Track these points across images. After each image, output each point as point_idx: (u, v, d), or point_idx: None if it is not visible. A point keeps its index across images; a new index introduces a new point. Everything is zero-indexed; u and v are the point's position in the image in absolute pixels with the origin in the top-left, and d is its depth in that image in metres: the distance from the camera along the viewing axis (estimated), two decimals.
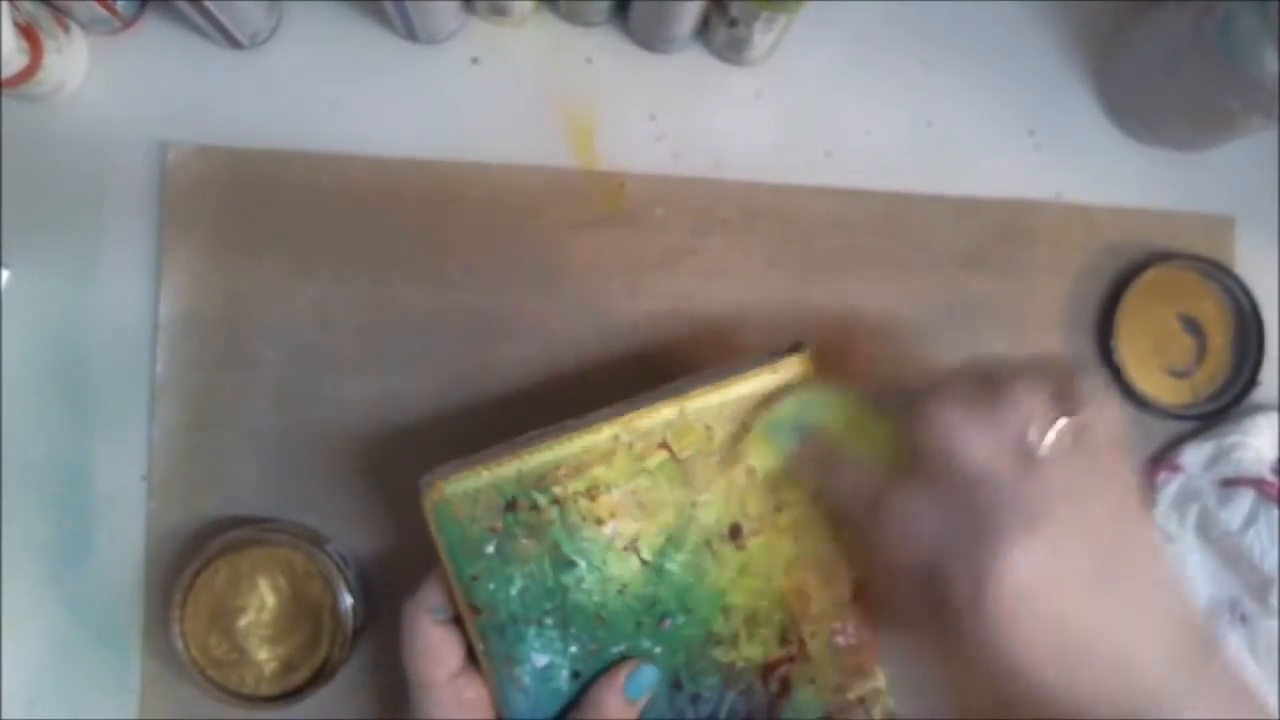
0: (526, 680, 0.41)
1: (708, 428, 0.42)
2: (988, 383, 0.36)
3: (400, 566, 0.48)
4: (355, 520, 0.47)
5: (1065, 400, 0.36)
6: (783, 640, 0.43)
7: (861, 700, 0.44)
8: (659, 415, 0.41)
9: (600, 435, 0.41)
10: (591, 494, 0.41)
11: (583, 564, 0.41)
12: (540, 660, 0.41)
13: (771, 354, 0.42)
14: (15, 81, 0.44)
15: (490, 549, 0.40)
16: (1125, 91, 0.52)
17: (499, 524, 0.40)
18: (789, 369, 0.42)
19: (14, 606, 0.47)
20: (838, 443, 0.40)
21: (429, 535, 0.40)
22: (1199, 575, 0.50)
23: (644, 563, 0.42)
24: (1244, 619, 0.49)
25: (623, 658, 0.41)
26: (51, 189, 0.48)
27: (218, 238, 0.48)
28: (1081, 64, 0.53)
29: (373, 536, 0.47)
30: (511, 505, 0.40)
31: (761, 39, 0.48)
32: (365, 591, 0.46)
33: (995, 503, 0.35)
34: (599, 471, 0.41)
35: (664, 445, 0.41)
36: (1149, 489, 0.50)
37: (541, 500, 0.40)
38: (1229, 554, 0.49)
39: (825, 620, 0.43)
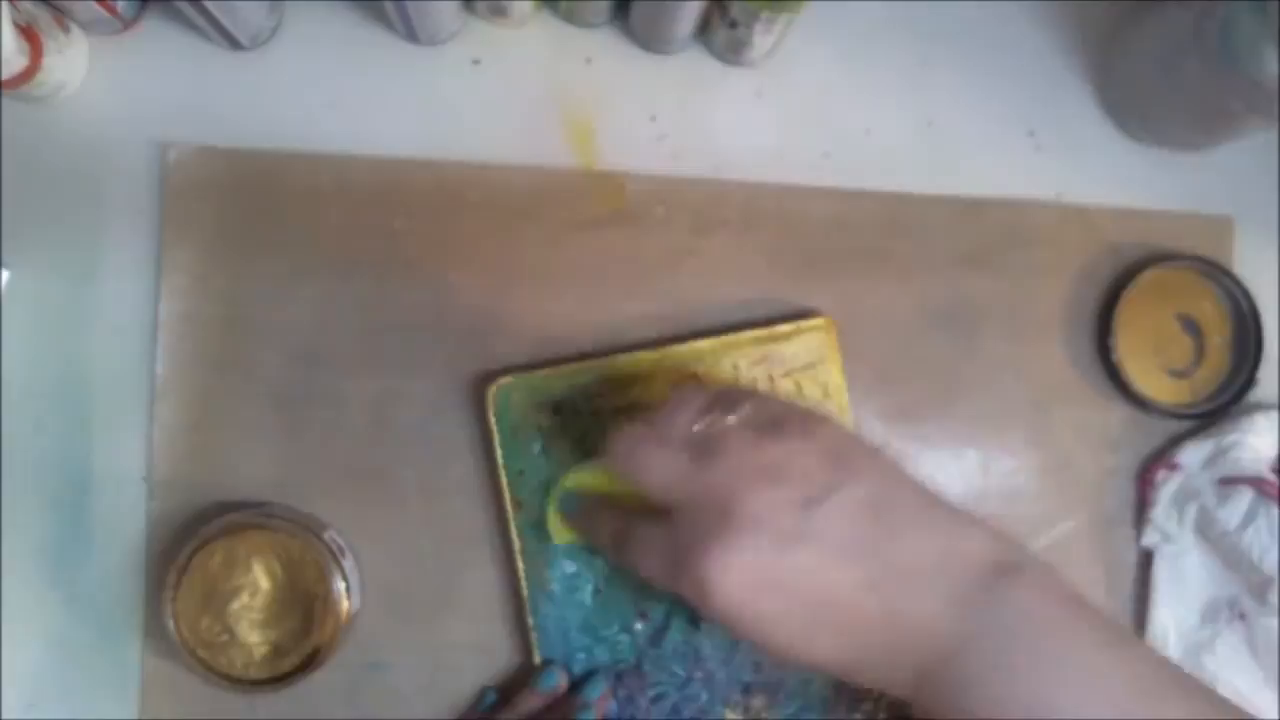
0: (554, 587, 0.46)
1: (735, 366, 0.47)
2: (652, 413, 0.38)
3: (400, 566, 0.48)
4: (355, 520, 0.47)
5: (722, 403, 0.38)
6: None
7: None
8: (693, 347, 0.47)
9: (642, 358, 0.46)
10: (629, 411, 0.46)
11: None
12: (569, 567, 0.46)
13: (798, 314, 0.48)
14: (15, 82, 0.44)
15: (536, 447, 0.46)
16: (1125, 92, 0.52)
17: (546, 423, 0.46)
18: (813, 326, 0.48)
19: (14, 606, 0.47)
20: (603, 500, 0.43)
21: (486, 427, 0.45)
22: (1198, 574, 0.50)
23: None
24: (1243, 617, 0.49)
25: (644, 582, 0.44)
26: (51, 189, 0.48)
27: (218, 238, 0.48)
28: (1081, 64, 0.53)
29: (373, 536, 0.47)
30: (558, 408, 0.46)
31: (762, 40, 0.48)
32: (361, 583, 0.46)
33: (686, 514, 0.36)
34: (637, 391, 0.46)
35: (696, 377, 0.47)
36: (1148, 488, 0.50)
37: (584, 409, 0.46)
38: (1228, 553, 0.49)
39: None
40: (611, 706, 0.46)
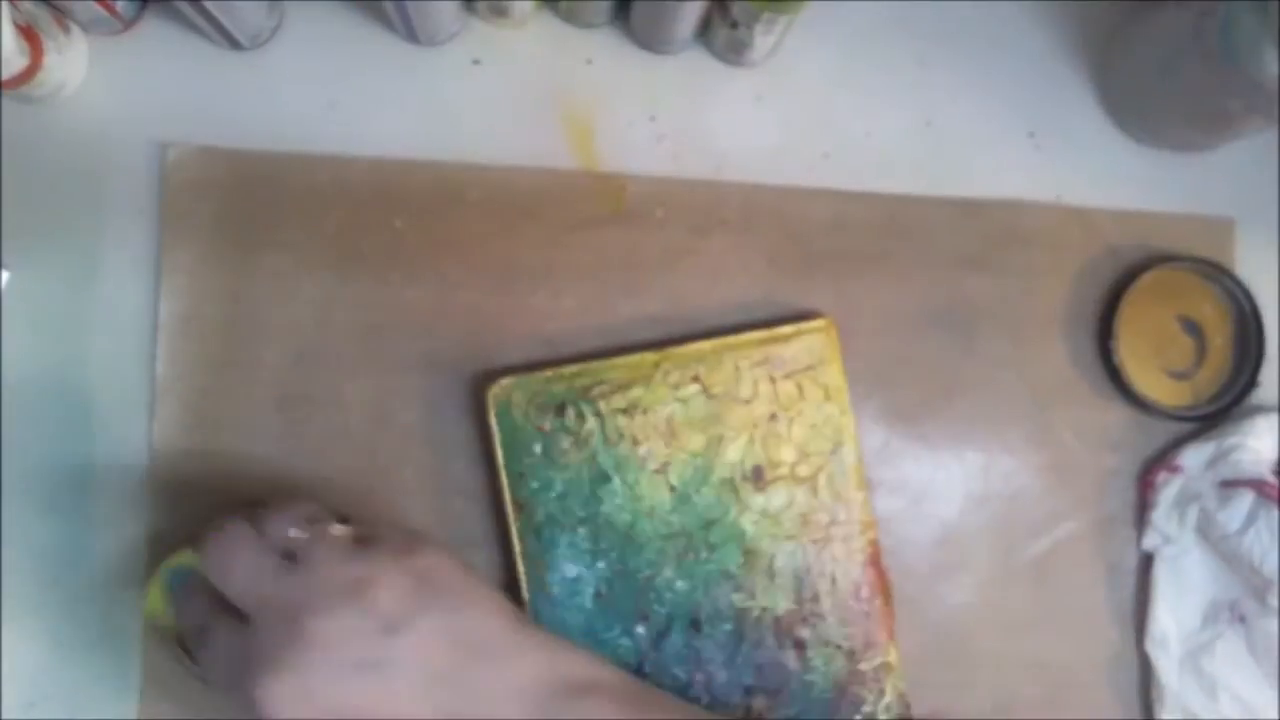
0: (555, 590, 0.46)
1: (736, 367, 0.47)
2: (252, 513, 0.37)
3: None
4: (353, 518, 0.47)
5: (325, 515, 0.37)
6: (798, 593, 0.45)
7: (875, 673, 0.47)
8: (695, 348, 0.47)
9: (643, 359, 0.47)
10: (630, 412, 0.46)
11: (617, 479, 0.46)
12: (570, 570, 0.46)
13: (799, 316, 0.49)
14: (15, 82, 0.44)
15: (537, 448, 0.46)
16: (1125, 92, 0.52)
17: (547, 425, 0.46)
18: (814, 328, 0.48)
19: (14, 606, 0.47)
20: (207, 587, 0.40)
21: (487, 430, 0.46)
22: (1198, 576, 0.50)
23: (672, 489, 0.47)
24: (1243, 620, 0.49)
25: (647, 584, 0.45)
26: (51, 189, 0.48)
27: (218, 238, 0.48)
28: (1081, 64, 0.53)
29: None
30: (560, 410, 0.46)
31: (762, 40, 0.48)
32: None
33: (260, 626, 0.35)
34: (638, 392, 0.47)
35: (697, 379, 0.47)
36: (1149, 490, 0.50)
37: (586, 410, 0.46)
38: (1228, 555, 0.49)
39: (841, 578, 0.46)
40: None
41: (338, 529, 0.37)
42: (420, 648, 0.35)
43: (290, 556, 0.36)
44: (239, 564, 0.36)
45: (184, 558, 0.43)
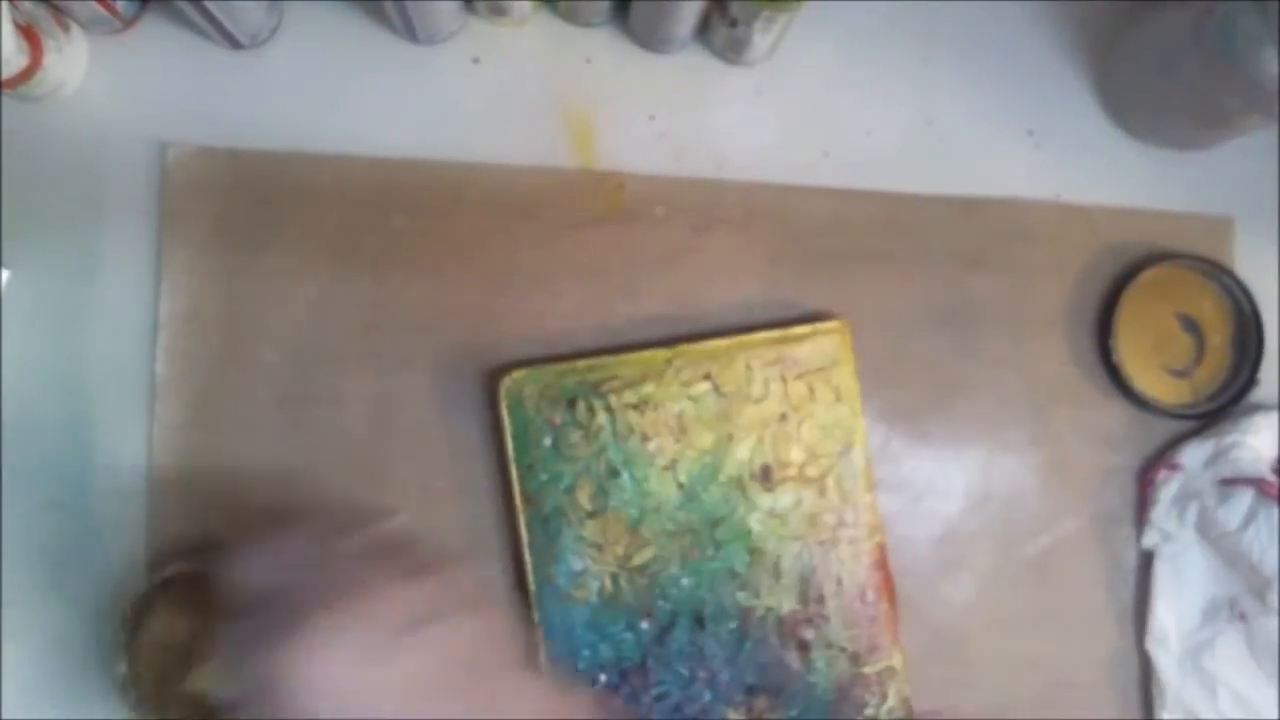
0: (561, 582, 0.46)
1: (748, 367, 0.47)
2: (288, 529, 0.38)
3: None
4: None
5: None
6: (803, 594, 0.45)
7: (878, 676, 0.47)
8: (707, 346, 0.47)
9: (655, 356, 0.47)
10: (640, 408, 0.47)
11: (626, 474, 0.46)
12: (576, 564, 0.46)
13: (800, 315, 0.49)
14: (15, 82, 0.44)
15: (548, 441, 0.46)
16: (1125, 91, 0.52)
17: (558, 418, 0.46)
18: (828, 329, 0.48)
19: (14, 606, 0.47)
20: None
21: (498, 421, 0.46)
22: (1198, 574, 0.50)
23: (680, 485, 0.47)
24: (1243, 617, 0.49)
25: (652, 580, 0.46)
26: (51, 189, 0.48)
27: (217, 238, 0.48)
28: (1081, 64, 0.53)
29: None
30: (571, 404, 0.46)
31: (761, 39, 0.48)
32: None
33: (282, 598, 0.35)
34: (649, 388, 0.47)
35: (708, 376, 0.47)
36: (1148, 488, 0.50)
37: (597, 405, 0.46)
38: (1228, 553, 0.49)
39: (847, 580, 0.46)
40: (615, 704, 0.46)
41: (355, 539, 0.38)
42: (428, 655, 0.35)
43: (307, 564, 0.37)
44: (255, 565, 0.37)
45: None
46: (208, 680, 0.44)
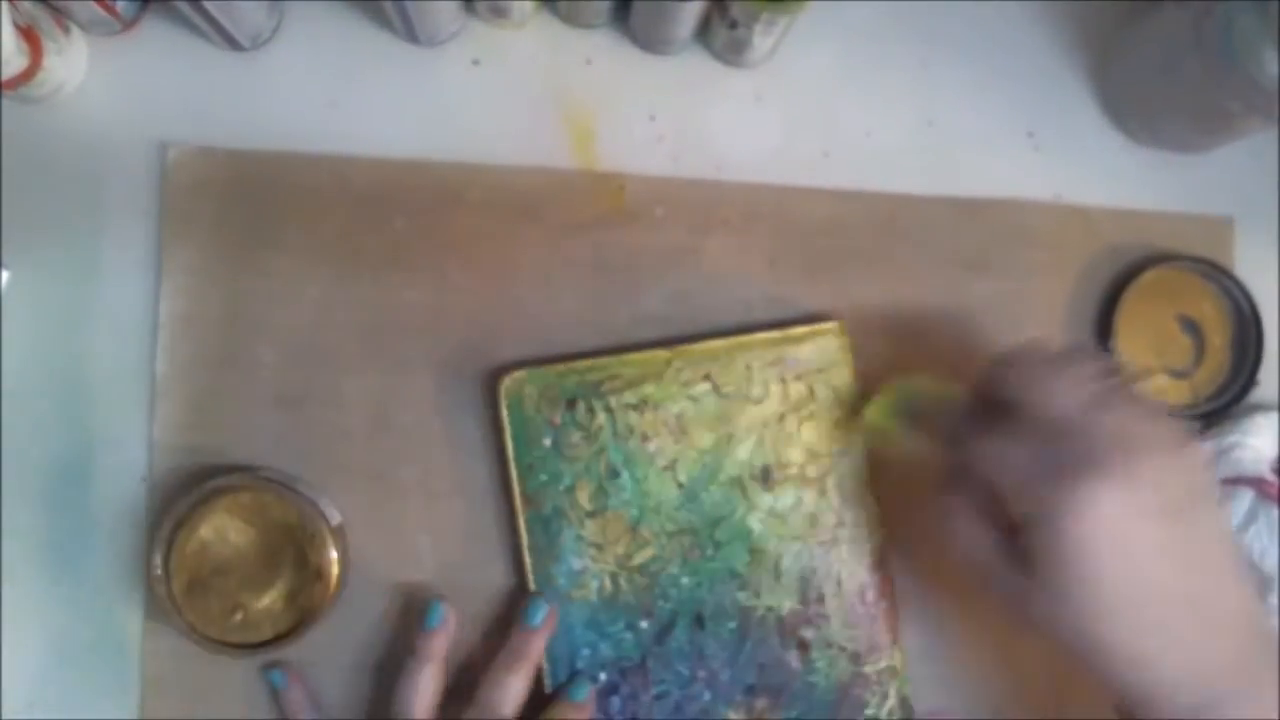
0: (561, 582, 0.46)
1: (748, 367, 0.47)
2: (1053, 352, 0.39)
3: (402, 564, 0.48)
4: (356, 518, 0.47)
5: (1122, 372, 0.39)
6: (803, 594, 0.45)
7: (879, 676, 0.47)
8: (707, 346, 0.47)
9: (655, 356, 0.47)
10: (640, 408, 0.47)
11: (625, 474, 0.47)
12: (576, 563, 0.46)
13: (800, 316, 0.49)
14: (15, 83, 0.44)
15: (548, 441, 0.46)
16: (1125, 92, 0.52)
17: (558, 419, 0.46)
18: (827, 329, 0.48)
19: (14, 606, 0.47)
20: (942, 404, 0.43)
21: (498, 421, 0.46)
22: None
23: (680, 485, 0.47)
24: None
25: (652, 580, 0.46)
26: (51, 189, 0.48)
27: (218, 238, 0.48)
28: (1081, 64, 0.53)
29: (374, 534, 0.47)
30: (571, 404, 0.47)
31: (762, 41, 0.48)
32: (346, 539, 0.47)
33: (1082, 439, 0.36)
34: (649, 389, 0.47)
35: (708, 377, 0.47)
36: None
37: (597, 405, 0.46)
38: None
39: (847, 580, 0.46)
40: (614, 703, 0.46)
41: (1135, 388, 0.39)
42: (1205, 528, 0.36)
43: (1107, 394, 0.37)
44: (1058, 383, 0.37)
45: (919, 384, 0.45)
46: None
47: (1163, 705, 0.36)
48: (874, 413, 0.46)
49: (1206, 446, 0.50)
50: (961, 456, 0.40)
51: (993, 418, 0.39)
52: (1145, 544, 0.35)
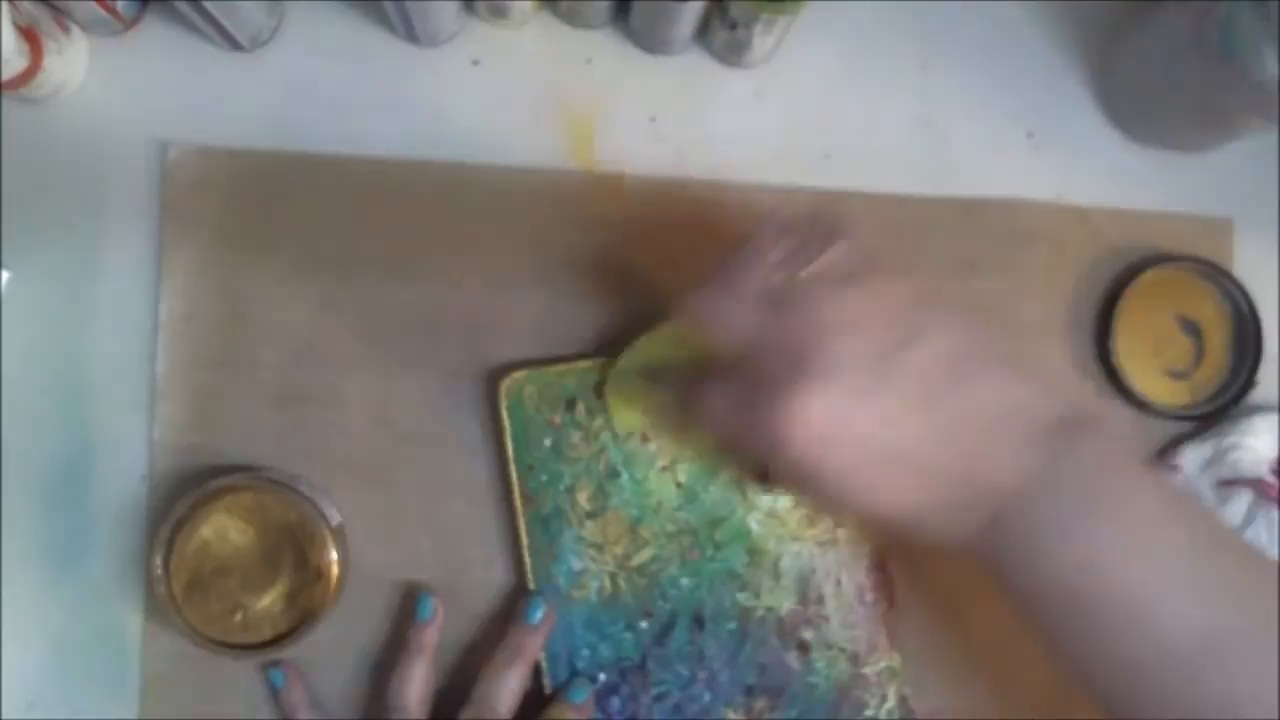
0: (561, 582, 0.46)
1: None
2: (727, 264, 0.38)
3: (402, 563, 0.48)
4: (356, 517, 0.47)
5: (805, 249, 0.37)
6: (803, 595, 0.45)
7: (878, 677, 0.47)
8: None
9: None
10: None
11: (625, 474, 0.47)
12: (576, 564, 0.46)
13: None
14: (15, 83, 0.44)
15: (548, 442, 0.46)
16: (1125, 92, 0.52)
17: (558, 419, 0.46)
18: None
19: (14, 606, 0.47)
20: (675, 370, 0.43)
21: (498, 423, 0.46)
22: None
23: (679, 485, 0.47)
24: None
25: (652, 580, 0.46)
26: (51, 189, 0.48)
27: (218, 238, 0.48)
28: (1081, 64, 0.53)
29: (374, 534, 0.47)
30: (571, 404, 0.47)
31: (761, 41, 0.48)
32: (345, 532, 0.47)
33: (763, 361, 0.36)
34: None
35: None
36: None
37: (596, 406, 0.46)
38: None
39: (846, 581, 0.46)
40: (614, 704, 0.46)
41: (811, 268, 0.37)
42: (917, 371, 0.35)
43: (777, 299, 0.36)
44: (733, 314, 0.37)
45: (629, 357, 0.45)
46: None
47: (966, 538, 0.35)
48: (618, 414, 0.46)
49: (1196, 450, 0.50)
50: (691, 419, 0.39)
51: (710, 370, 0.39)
52: (868, 417, 0.34)
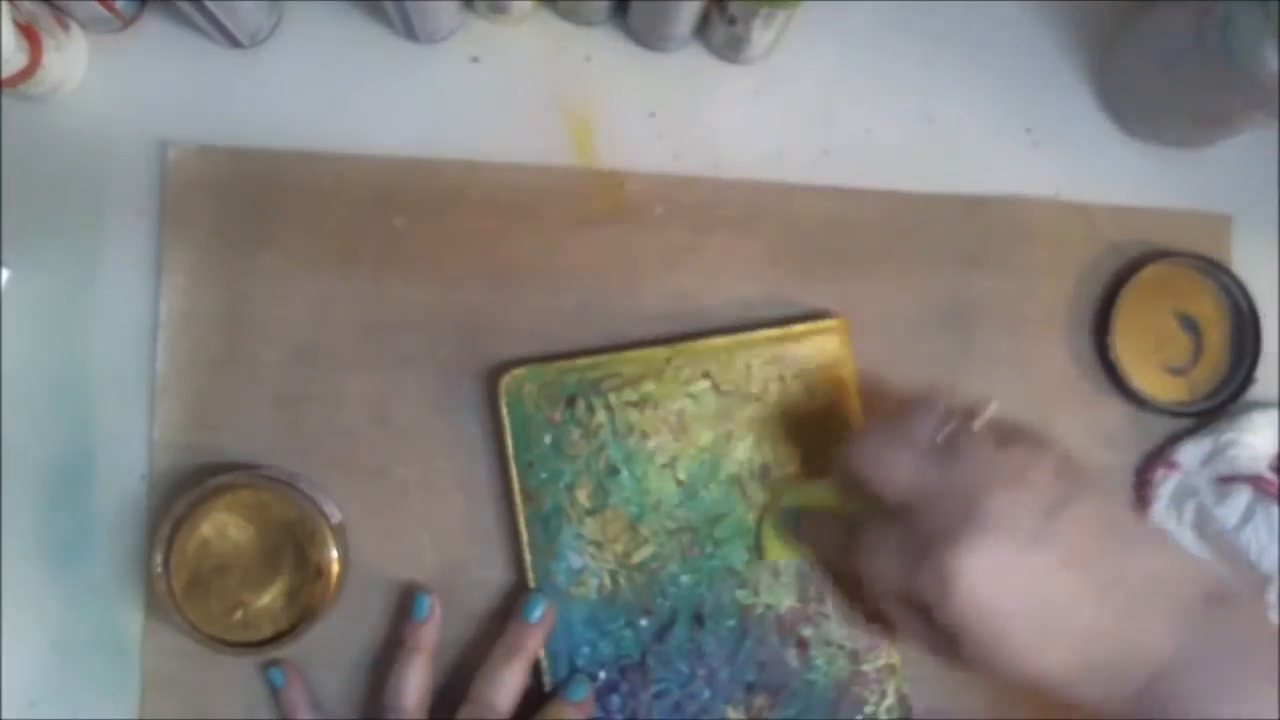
0: (560, 579, 0.46)
1: (747, 365, 0.47)
2: (892, 418, 0.40)
3: (402, 562, 0.48)
4: (356, 516, 0.47)
5: (960, 411, 0.39)
6: (802, 592, 0.46)
7: (877, 674, 0.47)
8: (707, 344, 0.47)
9: (655, 354, 0.47)
10: (640, 406, 0.47)
11: (625, 471, 0.47)
12: (576, 561, 0.47)
13: (800, 314, 0.49)
14: (15, 81, 0.44)
15: (547, 439, 0.47)
16: (1124, 90, 0.52)
17: (558, 416, 0.47)
18: (826, 327, 0.48)
19: (14, 605, 0.47)
20: (824, 515, 0.44)
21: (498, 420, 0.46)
22: None
23: (679, 483, 0.47)
24: None
25: (652, 578, 0.46)
26: (51, 189, 0.48)
27: (218, 237, 0.48)
28: (1081, 63, 0.53)
29: (374, 532, 0.47)
30: (571, 402, 0.47)
31: (760, 37, 0.48)
32: (345, 532, 0.47)
33: (929, 512, 0.37)
34: (649, 386, 0.47)
35: (707, 375, 0.47)
36: (1146, 486, 0.50)
37: (597, 403, 0.47)
38: (1226, 551, 0.49)
39: (845, 580, 0.46)
40: (614, 701, 0.46)
41: (978, 423, 0.39)
42: (1077, 528, 0.36)
43: (942, 451, 0.38)
44: (900, 464, 0.38)
45: (788, 498, 0.46)
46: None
47: (1118, 704, 0.36)
48: (769, 548, 0.47)
49: (1195, 446, 0.50)
50: (854, 564, 0.40)
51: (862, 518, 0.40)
52: (1031, 572, 0.35)
